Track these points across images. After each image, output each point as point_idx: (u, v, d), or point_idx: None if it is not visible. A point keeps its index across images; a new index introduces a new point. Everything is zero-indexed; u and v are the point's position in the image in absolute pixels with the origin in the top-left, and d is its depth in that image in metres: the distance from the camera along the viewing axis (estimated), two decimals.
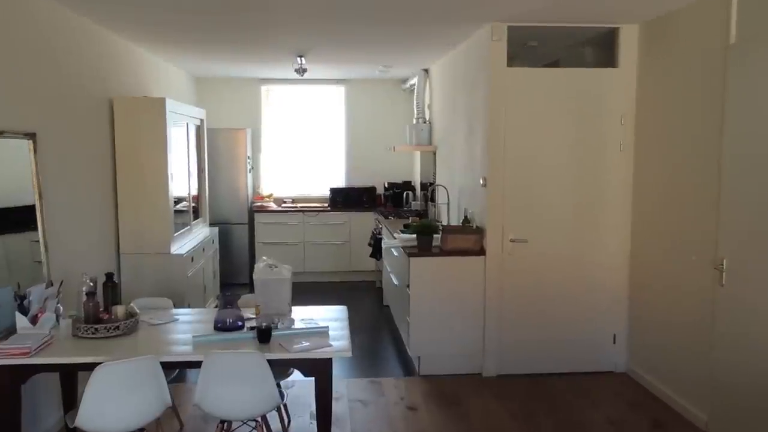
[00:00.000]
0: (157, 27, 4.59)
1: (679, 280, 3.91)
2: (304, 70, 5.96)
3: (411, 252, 4.51)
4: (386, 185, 7.89)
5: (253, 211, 7.55)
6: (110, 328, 3.00)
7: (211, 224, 6.58)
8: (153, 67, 5.80)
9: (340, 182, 8.14)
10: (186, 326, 3.27)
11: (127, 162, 4.68)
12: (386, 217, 6.69)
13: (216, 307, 5.97)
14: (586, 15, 4.13)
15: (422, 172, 7.33)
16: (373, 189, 7.80)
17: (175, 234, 4.97)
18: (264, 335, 2.95)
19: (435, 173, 6.54)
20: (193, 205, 5.74)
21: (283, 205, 7.82)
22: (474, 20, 4.30)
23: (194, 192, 5.80)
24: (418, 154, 7.58)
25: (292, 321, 3.21)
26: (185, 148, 5.44)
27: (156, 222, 4.76)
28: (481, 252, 4.51)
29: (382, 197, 7.93)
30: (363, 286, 7.46)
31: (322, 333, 3.10)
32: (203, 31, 4.75)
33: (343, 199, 7.72)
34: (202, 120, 6.02)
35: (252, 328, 3.15)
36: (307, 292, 7.07)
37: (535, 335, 4.55)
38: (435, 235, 4.61)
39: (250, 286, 7.45)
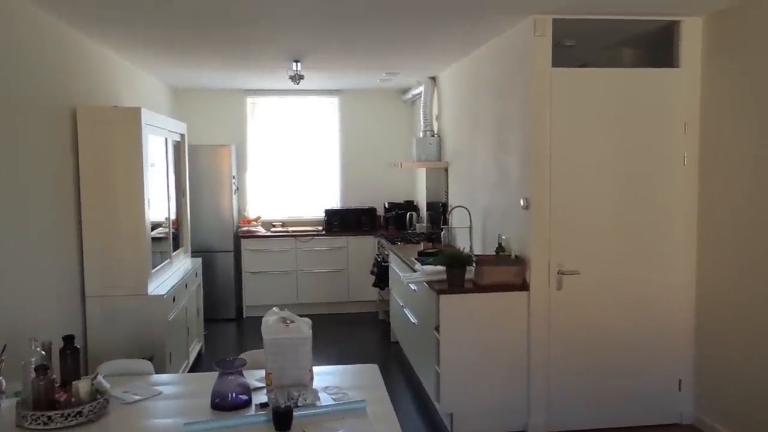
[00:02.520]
0: (128, 26, 3.82)
1: (764, 315, 3.26)
2: (301, 77, 5.22)
3: (441, 289, 3.77)
4: (386, 206, 7.16)
5: (239, 237, 6.74)
6: (69, 414, 2.19)
7: (193, 253, 5.75)
8: (125, 75, 5.01)
9: (334, 203, 7.39)
10: (173, 403, 2.47)
11: (94, 184, 3.87)
12: (392, 242, 5.94)
13: (200, 346, 5.09)
14: (644, 6, 3.50)
15: (429, 190, 6.62)
16: (372, 210, 7.05)
17: (153, 270, 4.15)
18: (283, 420, 2.16)
19: (447, 192, 5.83)
20: (173, 231, 4.92)
21: (273, 229, 7.03)
22: (513, 12, 3.63)
23: (173, 217, 4.99)
24: (422, 171, 6.88)
25: (316, 394, 2.44)
26: (164, 167, 4.64)
27: (130, 257, 3.94)
28: (524, 287, 3.79)
29: (382, 219, 7.20)
30: (364, 318, 6.68)
31: (359, 411, 2.34)
32: (183, 31, 3.99)
33: (340, 221, 6.95)
34: (182, 135, 5.23)
35: (263, 406, 2.38)
36: None
37: (588, 384, 3.83)
38: (468, 267, 3.88)
39: (236, 322, 6.62)
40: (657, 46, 4.32)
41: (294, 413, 2.21)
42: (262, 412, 2.31)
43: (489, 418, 3.81)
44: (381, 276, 6.06)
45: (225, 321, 6.60)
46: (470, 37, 4.31)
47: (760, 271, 3.30)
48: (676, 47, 3.77)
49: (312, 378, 2.52)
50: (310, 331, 2.54)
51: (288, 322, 2.51)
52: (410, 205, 7.15)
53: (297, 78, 5.21)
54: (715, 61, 3.63)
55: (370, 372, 2.81)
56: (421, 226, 6.71)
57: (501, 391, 3.81)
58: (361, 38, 4.34)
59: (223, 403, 2.39)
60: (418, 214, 6.99)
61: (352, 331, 6.29)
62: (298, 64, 5.14)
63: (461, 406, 3.79)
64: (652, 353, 3.86)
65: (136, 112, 3.90)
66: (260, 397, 2.48)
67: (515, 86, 3.96)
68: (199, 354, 5.28)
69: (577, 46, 4.46)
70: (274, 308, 2.63)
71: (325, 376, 2.72)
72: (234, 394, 2.41)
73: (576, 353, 3.81)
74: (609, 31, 4.09)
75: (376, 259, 6.32)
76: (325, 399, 2.43)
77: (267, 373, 2.48)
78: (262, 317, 7.05)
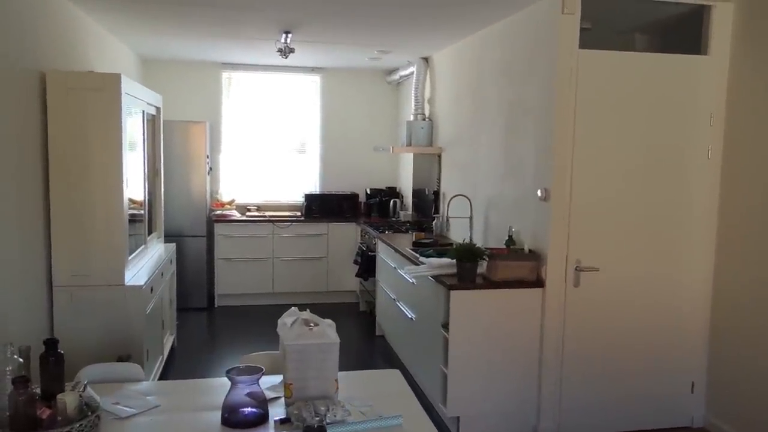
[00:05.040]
0: None
1: None
2: (291, 50, 4.82)
3: (452, 284, 3.49)
4: (368, 192, 6.84)
5: (211, 221, 6.30)
6: None
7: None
8: (95, 40, 4.50)
9: (313, 187, 7.01)
10: (175, 418, 2.10)
11: (65, 159, 3.41)
12: (381, 231, 5.63)
13: (173, 339, 4.53)
14: None
15: (416, 177, 6.32)
16: (355, 196, 6.71)
17: (129, 257, 3.72)
18: None
19: (439, 180, 5.55)
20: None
21: (248, 213, 6.61)
22: None
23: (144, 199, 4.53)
24: (408, 156, 6.58)
25: (344, 407, 2.12)
26: (140, 142, 4.19)
27: (104, 242, 3.50)
28: (539, 283, 3.55)
29: (363, 205, 6.87)
30: (345, 310, 6.36)
31: (396, 428, 2.04)
32: None
33: (320, 207, 6.59)
34: (158, 108, 4.76)
35: (283, 422, 2.05)
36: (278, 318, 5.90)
37: (600, 385, 3.64)
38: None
39: (207, 311, 6.21)
40: (671, 33, 4.13)
41: None
42: (283, 429, 1.99)
43: (497, 421, 3.58)
44: (366, 266, 5.75)
45: (195, 310, 6.17)
46: (482, 13, 4.01)
47: None
48: (706, 33, 3.57)
49: (338, 389, 2.21)
50: (336, 334, 2.22)
51: (311, 324, 2.19)
52: (393, 192, 6.85)
53: (286, 51, 4.81)
54: (745, 50, 3.45)
55: (393, 378, 2.52)
56: (406, 214, 6.43)
57: (511, 393, 3.58)
58: (361, 9, 3.98)
59: (237, 419, 2.05)
60: (402, 202, 6.70)
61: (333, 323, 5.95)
62: (289, 36, 4.73)
63: (469, 408, 3.54)
64: (666, 355, 3.69)
65: (115, 80, 3.44)
66: (276, 410, 2.15)
67: (534, 69, 3.69)
68: (172, 348, 4.87)
69: (592, 30, 4.24)
70: (293, 307, 2.29)
71: (344, 385, 2.40)
72: (249, 409, 2.07)
73: (589, 353, 3.61)
74: (630, 15, 3.86)
75: (360, 247, 6.00)
76: (354, 413, 2.13)
77: (286, 384, 2.15)
78: (234, 306, 6.64)
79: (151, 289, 3.86)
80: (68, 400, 1.92)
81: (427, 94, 5.89)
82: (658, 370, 3.69)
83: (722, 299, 3.62)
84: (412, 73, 5.99)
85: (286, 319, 2.24)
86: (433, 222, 5.39)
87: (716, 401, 3.67)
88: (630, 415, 3.69)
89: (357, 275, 5.94)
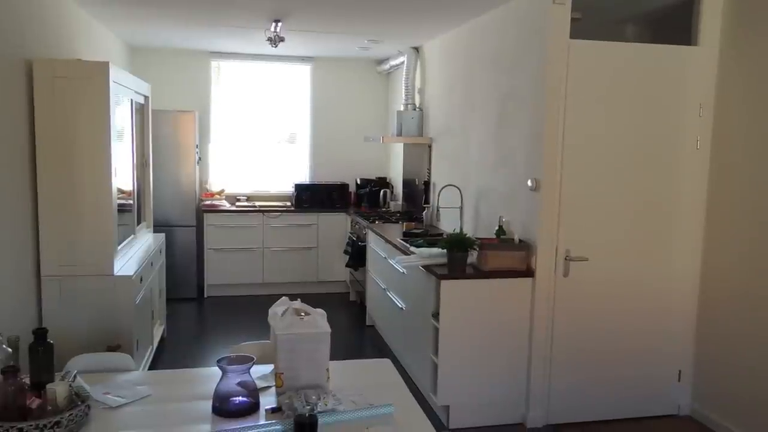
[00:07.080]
0: None
1: (766, 308, 3.18)
2: (281, 40, 4.78)
3: (442, 274, 3.50)
4: (358, 182, 6.83)
5: (201, 211, 6.27)
6: (46, 425, 1.80)
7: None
8: (81, 27, 4.44)
9: (303, 177, 6.99)
10: (166, 408, 2.10)
11: (53, 148, 3.37)
12: (371, 221, 5.63)
13: (162, 330, 4.53)
14: None
15: (407, 167, 6.32)
16: (345, 186, 6.70)
17: (118, 247, 3.70)
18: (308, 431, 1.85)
19: (429, 170, 5.55)
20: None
21: (238, 204, 6.58)
22: None
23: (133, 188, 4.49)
24: (398, 146, 6.57)
25: (335, 396, 2.13)
26: (128, 131, 4.15)
27: (93, 232, 3.48)
28: (528, 273, 3.57)
29: (353, 195, 6.86)
30: (335, 300, 6.37)
31: (386, 417, 2.05)
32: None
33: (310, 197, 6.57)
34: (146, 97, 4.71)
35: (274, 411, 2.05)
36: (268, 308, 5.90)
37: (590, 375, 3.68)
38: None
39: (197, 302, 6.19)
40: (661, 23, 4.15)
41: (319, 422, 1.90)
42: (274, 420, 1.99)
43: (487, 410, 3.61)
44: (356, 255, 5.75)
45: (185, 300, 6.15)
46: (474, 2, 4.00)
47: (765, 264, 3.19)
48: (696, 24, 3.58)
49: (329, 378, 2.21)
50: (328, 324, 2.22)
51: (302, 314, 2.19)
52: (383, 182, 6.84)
53: (276, 40, 4.77)
54: (735, 41, 3.46)
55: (383, 367, 2.53)
56: (396, 204, 6.43)
57: (500, 382, 3.60)
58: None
59: (227, 408, 2.06)
60: (392, 192, 6.70)
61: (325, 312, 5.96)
62: (279, 24, 4.69)
63: (459, 397, 3.57)
64: (654, 344, 3.73)
65: (103, 68, 3.40)
66: (267, 400, 2.15)
67: (525, 59, 3.69)
68: (162, 338, 4.85)
69: (583, 20, 4.24)
70: (284, 297, 2.29)
71: (331, 374, 2.40)
72: (239, 398, 2.07)
73: (578, 343, 3.64)
74: (621, 5, 3.87)
75: (350, 237, 6.00)
76: (345, 402, 2.13)
77: (277, 373, 2.16)
78: (224, 297, 6.65)
79: (141, 279, 3.84)
80: (58, 389, 1.91)
81: (417, 84, 5.87)
82: (645, 359, 3.73)
83: (710, 289, 3.66)
84: (402, 62, 5.98)
85: (277, 309, 2.24)
86: (423, 212, 5.40)
87: (703, 390, 3.72)
88: (618, 403, 3.73)
89: (347, 265, 5.94)
